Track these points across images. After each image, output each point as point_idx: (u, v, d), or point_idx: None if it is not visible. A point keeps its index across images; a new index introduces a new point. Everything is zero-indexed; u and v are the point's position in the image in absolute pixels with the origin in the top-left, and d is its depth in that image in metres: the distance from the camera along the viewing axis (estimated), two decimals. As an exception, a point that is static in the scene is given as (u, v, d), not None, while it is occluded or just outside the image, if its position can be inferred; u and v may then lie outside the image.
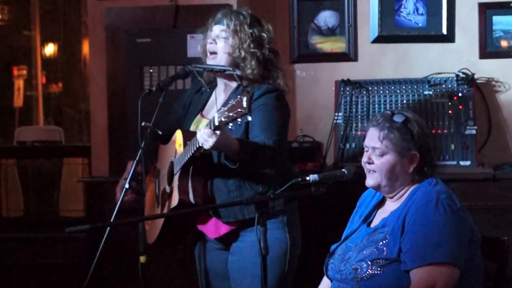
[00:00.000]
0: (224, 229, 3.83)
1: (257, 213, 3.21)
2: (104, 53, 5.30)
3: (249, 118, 3.42)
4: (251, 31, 3.83)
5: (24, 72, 12.02)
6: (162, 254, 5.01)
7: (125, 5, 5.25)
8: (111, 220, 3.73)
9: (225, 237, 3.85)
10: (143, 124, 3.77)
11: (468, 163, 5.00)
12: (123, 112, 5.18)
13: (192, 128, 3.91)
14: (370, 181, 3.34)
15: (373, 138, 3.30)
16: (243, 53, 3.82)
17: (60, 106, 12.32)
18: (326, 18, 5.45)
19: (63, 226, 3.28)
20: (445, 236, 3.12)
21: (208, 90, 4.01)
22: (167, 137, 3.99)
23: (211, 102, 3.96)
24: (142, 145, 3.77)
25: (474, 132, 5.04)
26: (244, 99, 3.29)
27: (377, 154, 3.29)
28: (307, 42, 5.48)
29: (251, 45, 3.82)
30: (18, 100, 11.92)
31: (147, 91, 3.87)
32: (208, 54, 3.90)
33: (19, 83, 11.95)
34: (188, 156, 3.67)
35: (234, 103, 3.32)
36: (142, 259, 3.79)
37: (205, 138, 3.43)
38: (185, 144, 3.75)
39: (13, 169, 7.43)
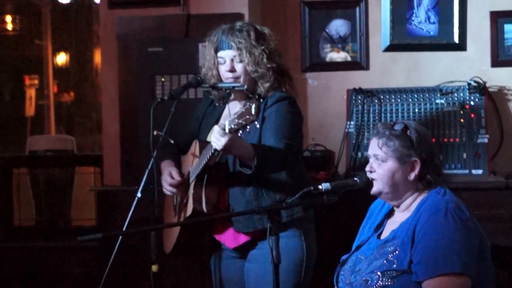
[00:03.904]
0: (243, 238, 3.83)
1: (269, 221, 3.20)
2: (116, 62, 5.31)
3: (257, 126, 3.42)
4: (262, 47, 3.82)
5: (36, 81, 12.06)
6: (174, 263, 5.00)
7: (137, 14, 5.26)
8: (123, 229, 3.74)
9: (243, 246, 3.85)
10: (155, 133, 3.78)
11: (480, 171, 4.99)
12: (135, 121, 5.19)
13: (208, 140, 3.90)
14: (372, 188, 3.34)
15: (374, 146, 3.31)
16: (260, 71, 3.81)
17: (72, 115, 12.35)
18: (338, 27, 5.46)
19: (75, 235, 3.29)
20: (455, 246, 3.11)
21: (221, 106, 4.01)
22: (185, 149, 3.99)
23: (226, 114, 3.94)
24: (154, 154, 3.77)
25: (486, 140, 5.03)
26: (253, 106, 3.31)
27: (378, 162, 3.29)
28: (319, 51, 5.48)
29: (266, 61, 3.82)
30: (30, 109, 11.96)
31: (159, 100, 3.88)
32: (226, 79, 3.86)
33: (31, 92, 11.99)
34: (203, 165, 3.68)
35: (243, 110, 3.34)
36: (154, 268, 3.78)
37: (217, 137, 3.44)
38: (200, 153, 3.76)
39: (25, 178, 7.41)
